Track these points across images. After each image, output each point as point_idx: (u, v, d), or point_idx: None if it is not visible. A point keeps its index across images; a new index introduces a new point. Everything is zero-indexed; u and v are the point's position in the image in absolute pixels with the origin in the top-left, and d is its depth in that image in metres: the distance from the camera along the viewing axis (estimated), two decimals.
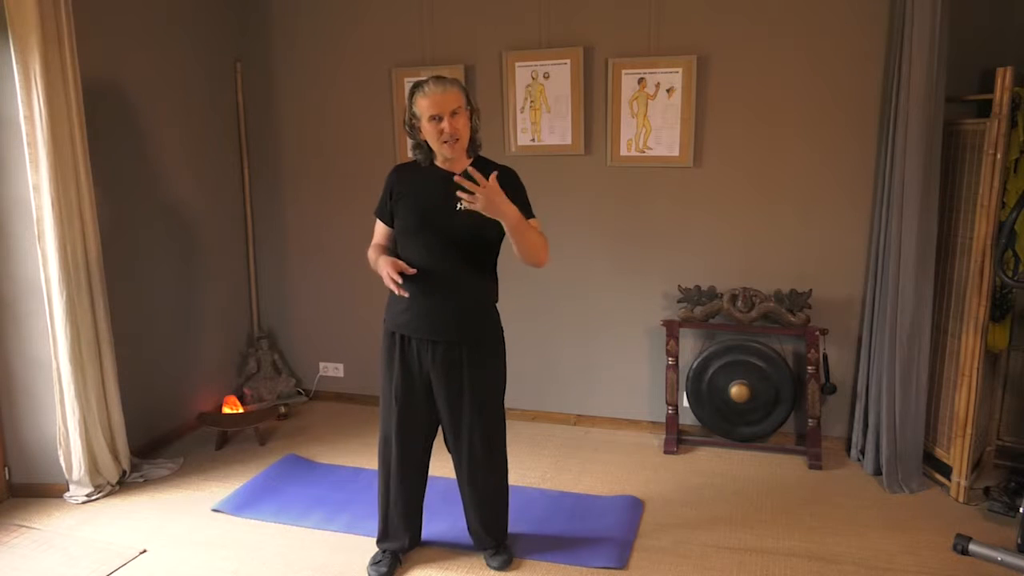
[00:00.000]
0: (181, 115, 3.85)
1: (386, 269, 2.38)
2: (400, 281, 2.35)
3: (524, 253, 2.38)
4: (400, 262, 2.41)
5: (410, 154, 2.59)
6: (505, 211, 2.26)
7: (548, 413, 4.10)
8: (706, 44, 3.55)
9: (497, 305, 2.62)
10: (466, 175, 2.27)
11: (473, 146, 2.52)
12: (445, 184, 2.42)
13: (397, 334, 2.56)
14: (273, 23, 4.15)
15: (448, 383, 2.54)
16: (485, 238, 2.48)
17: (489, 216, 2.26)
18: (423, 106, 2.39)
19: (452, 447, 2.66)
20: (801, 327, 3.52)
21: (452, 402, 2.56)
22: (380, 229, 2.63)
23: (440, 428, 2.67)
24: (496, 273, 2.59)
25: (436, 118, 2.39)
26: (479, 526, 2.73)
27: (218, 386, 4.22)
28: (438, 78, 2.43)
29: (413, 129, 2.48)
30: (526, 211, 2.53)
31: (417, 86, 2.43)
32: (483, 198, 2.21)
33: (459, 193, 2.24)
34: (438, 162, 2.51)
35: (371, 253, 2.61)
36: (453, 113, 2.38)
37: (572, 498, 3.22)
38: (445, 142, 2.40)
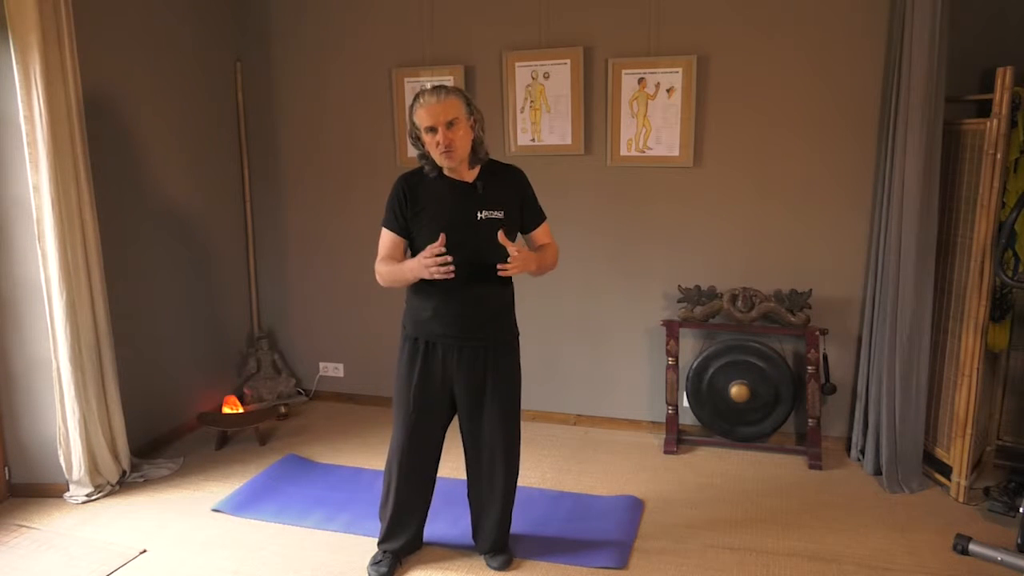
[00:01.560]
0: (181, 115, 3.85)
1: (425, 263, 2.31)
2: (449, 260, 2.30)
3: (542, 273, 2.56)
4: (432, 248, 2.33)
5: (412, 155, 2.57)
6: (532, 268, 2.45)
7: (548, 413, 4.10)
8: (706, 44, 3.55)
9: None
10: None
11: (476, 156, 2.46)
12: (461, 194, 2.45)
13: (421, 340, 2.53)
14: (273, 23, 4.15)
15: (473, 384, 2.55)
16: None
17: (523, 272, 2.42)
18: (421, 117, 2.36)
19: (471, 448, 2.66)
20: (801, 327, 3.52)
21: (475, 404, 2.57)
22: (392, 241, 2.51)
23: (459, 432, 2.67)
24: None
25: (431, 130, 2.35)
26: (490, 526, 2.72)
27: (218, 386, 4.22)
28: (436, 88, 2.38)
29: (417, 140, 2.43)
30: (539, 214, 2.62)
31: (416, 97, 2.39)
32: (520, 264, 2.36)
33: (499, 266, 2.37)
34: (446, 172, 2.47)
35: (384, 267, 2.49)
36: (449, 124, 2.34)
37: (572, 498, 3.22)
38: (441, 153, 2.37)
